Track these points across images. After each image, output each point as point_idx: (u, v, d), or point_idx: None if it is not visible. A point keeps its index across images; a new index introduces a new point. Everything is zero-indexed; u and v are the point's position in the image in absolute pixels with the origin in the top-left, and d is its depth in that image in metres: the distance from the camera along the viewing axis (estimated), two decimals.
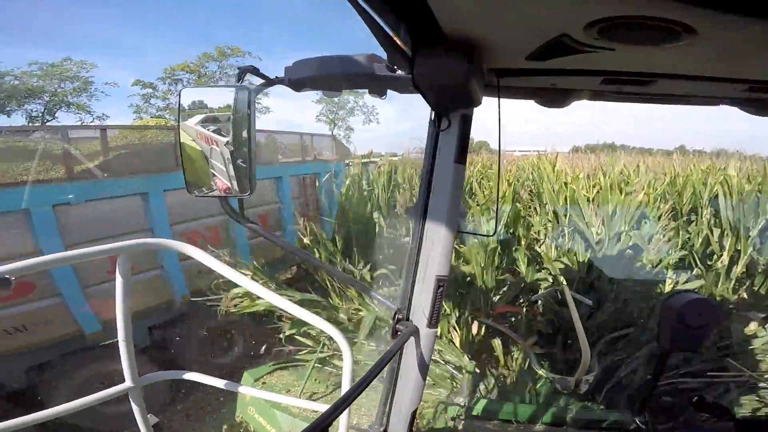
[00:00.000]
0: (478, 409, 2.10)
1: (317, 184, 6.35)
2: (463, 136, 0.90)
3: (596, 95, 1.07)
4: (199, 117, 0.90)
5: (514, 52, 0.75)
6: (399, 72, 0.97)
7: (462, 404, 2.11)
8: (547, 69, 0.85)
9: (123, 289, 1.08)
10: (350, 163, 7.69)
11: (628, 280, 3.47)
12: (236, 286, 3.97)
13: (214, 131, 0.89)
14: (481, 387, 2.84)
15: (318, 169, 6.60)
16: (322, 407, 1.33)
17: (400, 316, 1.01)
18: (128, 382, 1.18)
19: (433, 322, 0.98)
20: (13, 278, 0.88)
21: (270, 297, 1.14)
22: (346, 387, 1.14)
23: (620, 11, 0.51)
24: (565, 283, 3.27)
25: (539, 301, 3.37)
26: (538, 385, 2.64)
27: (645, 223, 3.93)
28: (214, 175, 0.93)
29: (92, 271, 3.87)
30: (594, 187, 4.62)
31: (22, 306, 3.58)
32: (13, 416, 1.00)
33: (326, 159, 7.24)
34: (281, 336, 3.99)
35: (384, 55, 0.95)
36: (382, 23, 0.64)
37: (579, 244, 3.80)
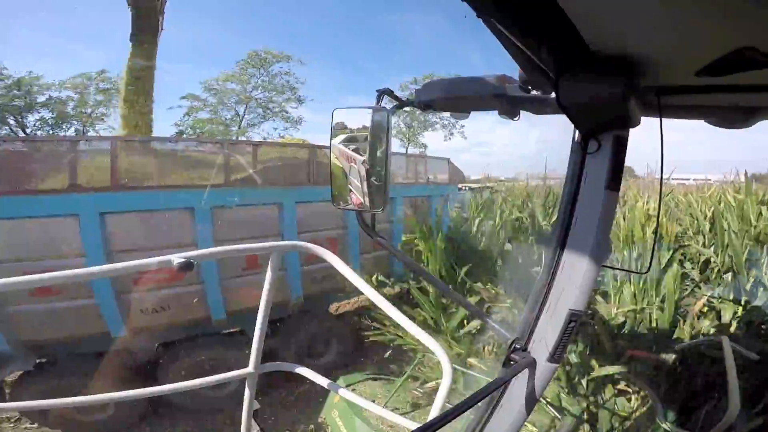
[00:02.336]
0: None
1: (429, 206, 6.47)
2: (616, 160, 0.82)
3: None
4: (342, 137, 1.00)
5: (682, 68, 0.68)
6: (533, 92, 0.96)
7: None
8: (722, 85, 0.76)
9: (270, 284, 1.22)
10: (464, 188, 7.66)
11: None
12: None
13: (353, 150, 0.98)
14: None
15: (430, 192, 6.76)
16: (409, 423, 1.32)
17: (518, 346, 0.97)
18: (250, 368, 1.29)
19: (555, 357, 0.91)
20: (195, 263, 1.07)
21: (387, 307, 1.21)
22: (437, 408, 1.12)
23: None
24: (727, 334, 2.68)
25: (686, 350, 2.82)
26: None
27: None
28: (351, 191, 1.01)
29: (227, 265, 4.54)
30: None
31: (174, 288, 4.34)
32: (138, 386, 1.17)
33: (439, 182, 7.35)
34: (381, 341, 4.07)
35: (515, 75, 0.97)
36: (520, 44, 0.63)
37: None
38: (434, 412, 1.13)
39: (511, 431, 0.97)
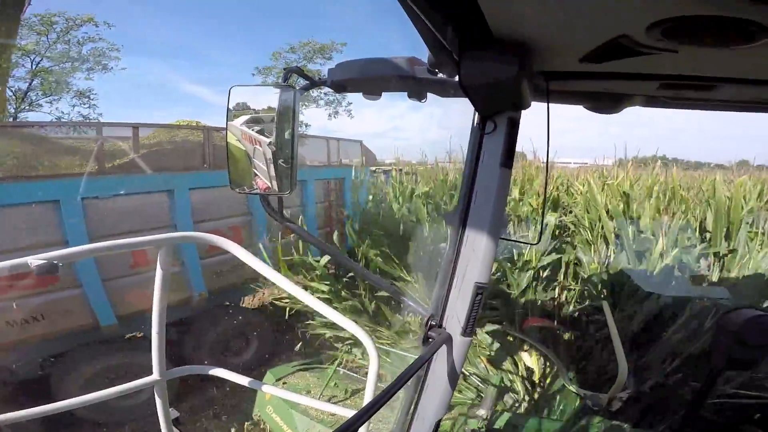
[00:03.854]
0: (500, 423, 2.06)
1: (342, 188, 6.48)
2: (510, 139, 0.89)
3: (651, 101, 1.06)
4: (244, 117, 0.95)
5: (568, 53, 0.75)
6: (440, 75, 0.99)
7: (485, 417, 2.08)
8: (600, 72, 0.85)
9: (162, 282, 1.12)
10: (377, 170, 7.81)
11: (676, 297, 3.33)
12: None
13: (257, 131, 0.94)
14: (507, 400, 2.79)
15: (344, 174, 6.75)
16: (345, 411, 1.34)
17: (433, 323, 1.02)
18: (155, 375, 1.21)
19: (468, 330, 0.97)
20: (60, 264, 0.93)
21: (303, 296, 1.18)
22: (369, 393, 1.16)
23: (690, 10, 0.50)
24: (605, 298, 3.19)
25: (576, 316, 3.28)
26: (568, 402, 2.56)
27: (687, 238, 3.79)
28: (256, 175, 0.98)
29: (113, 264, 4.08)
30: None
31: (46, 295, 3.79)
32: (26, 407, 1.03)
33: (353, 164, 7.38)
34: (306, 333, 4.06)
35: (424, 57, 1.00)
36: (428, 23, 0.65)
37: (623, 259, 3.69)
38: (368, 397, 1.16)
39: (442, 406, 1.03)
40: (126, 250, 1.14)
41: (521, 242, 3.83)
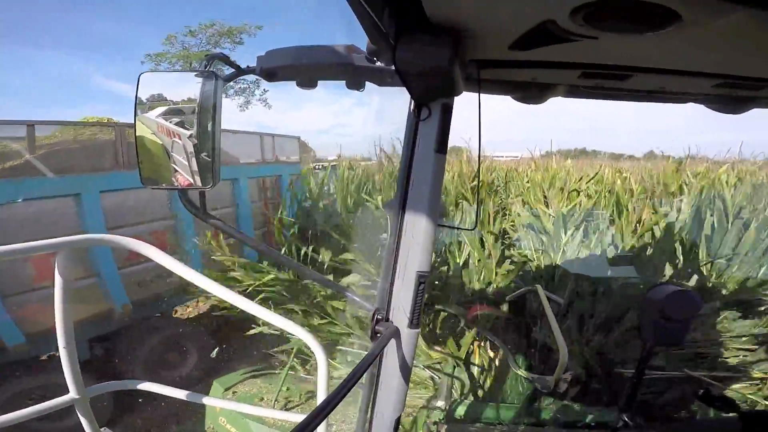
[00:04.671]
0: (460, 412, 2.12)
1: (279, 186, 6.25)
2: (443, 125, 0.91)
3: (573, 90, 1.12)
4: (161, 109, 0.90)
5: (497, 40, 0.77)
6: (379, 64, 0.99)
7: (443, 408, 2.13)
8: (528, 61, 0.89)
9: (62, 291, 1.02)
10: (317, 167, 7.66)
11: (601, 278, 3.64)
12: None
13: (177, 124, 0.89)
14: (462, 389, 2.88)
15: (280, 171, 6.54)
16: (296, 417, 1.30)
17: (380, 317, 1.00)
18: (72, 393, 1.13)
19: (414, 322, 0.98)
20: None
21: (238, 300, 1.10)
22: (321, 395, 1.13)
23: None
24: (538, 282, 3.40)
25: (515, 302, 3.45)
26: (518, 386, 2.71)
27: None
28: (176, 170, 0.92)
29: (12, 279, 3.60)
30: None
31: None
32: None
33: (289, 161, 7.16)
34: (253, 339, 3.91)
35: (363, 46, 1.00)
36: (366, 6, 0.65)
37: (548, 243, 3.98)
38: (320, 399, 1.13)
39: (398, 402, 1.02)
40: (17, 257, 0.99)
41: (459, 228, 3.98)
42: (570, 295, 3.52)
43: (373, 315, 1.00)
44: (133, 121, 0.91)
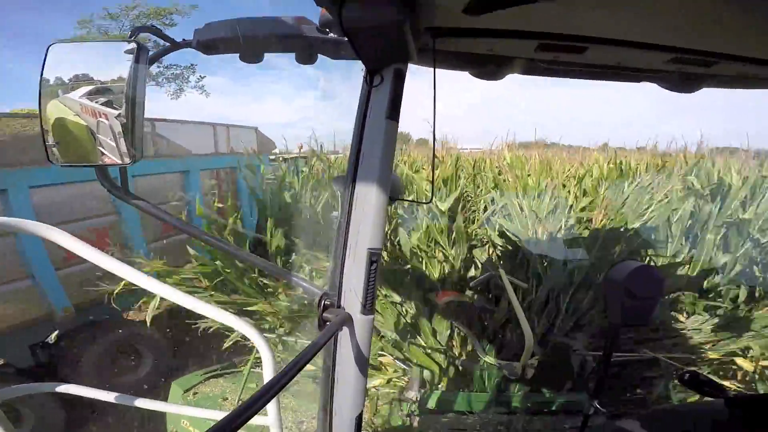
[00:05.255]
0: (432, 402, 2.08)
1: (234, 178, 5.99)
2: (396, 91, 0.88)
3: (531, 67, 1.10)
4: (85, 89, 0.87)
5: (451, 4, 0.75)
6: (331, 35, 0.96)
7: (414, 399, 2.07)
8: (483, 29, 0.88)
9: None
10: (279, 158, 7.40)
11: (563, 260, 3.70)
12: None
13: (103, 103, 0.87)
14: (432, 378, 2.83)
15: (235, 163, 6.22)
16: (258, 419, 1.17)
17: (328, 302, 0.90)
18: None
19: (368, 306, 0.89)
20: None
21: (171, 294, 0.96)
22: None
23: None
24: (501, 266, 3.39)
25: (479, 287, 3.43)
26: (487, 373, 2.69)
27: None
28: (94, 147, 0.90)
29: None
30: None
31: None
32: None
33: (246, 152, 6.88)
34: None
35: (316, 20, 0.96)
36: None
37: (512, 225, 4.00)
38: None
39: (357, 398, 0.94)
40: None
41: (415, 201, 3.94)
42: (535, 278, 3.54)
43: (320, 300, 0.90)
44: (38, 95, 0.87)
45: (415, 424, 1.96)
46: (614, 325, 1.41)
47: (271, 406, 1.00)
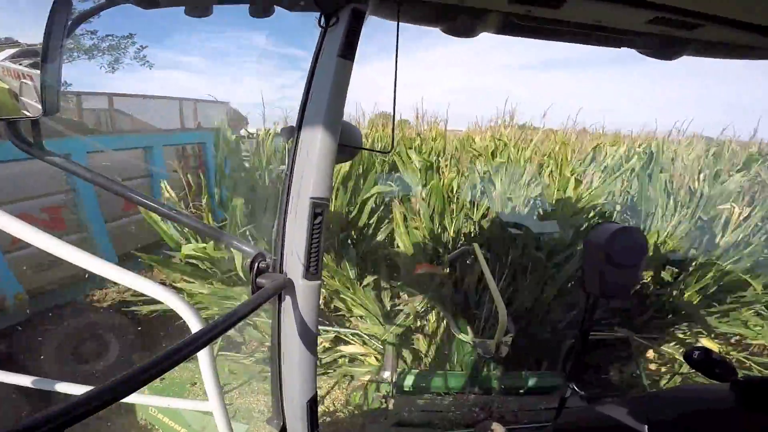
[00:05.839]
0: (407, 383, 2.02)
1: (203, 154, 5.73)
2: (351, 30, 0.81)
3: (504, 24, 1.01)
4: (9, 51, 0.84)
5: None
6: None
7: (390, 380, 2.01)
8: None
9: None
10: (252, 134, 7.12)
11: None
12: None
13: (28, 65, 0.82)
14: (407, 358, 2.78)
15: (203, 139, 5.96)
16: (200, 405, 1.05)
17: (263, 265, 0.78)
18: None
19: (312, 270, 0.77)
20: None
21: (100, 268, 0.81)
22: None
23: None
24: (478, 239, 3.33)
25: (454, 261, 3.35)
26: (463, 351, 2.65)
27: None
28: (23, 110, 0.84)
29: None
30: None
31: None
32: None
33: (216, 128, 6.61)
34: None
35: None
36: None
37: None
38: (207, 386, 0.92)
39: (307, 380, 0.83)
40: None
41: (373, 150, 3.81)
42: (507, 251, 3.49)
43: (252, 263, 0.77)
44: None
45: (391, 406, 1.89)
46: (591, 297, 1.28)
47: (211, 391, 0.89)
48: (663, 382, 3.05)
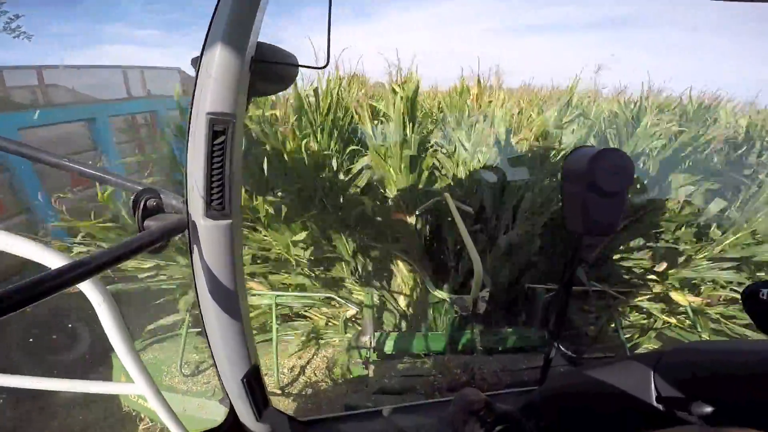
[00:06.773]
0: (388, 346, 1.93)
1: (155, 123, 5.33)
2: None
3: None
4: None
5: None
6: None
7: (369, 344, 1.90)
8: None
9: None
10: None
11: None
12: None
13: None
14: (385, 320, 2.68)
15: (154, 107, 5.56)
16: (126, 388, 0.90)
17: (153, 203, 0.62)
18: None
19: (215, 205, 0.60)
20: None
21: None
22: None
23: None
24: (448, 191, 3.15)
25: (426, 214, 3.18)
26: (441, 310, 2.55)
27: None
28: None
29: None
30: None
31: None
32: None
33: (165, 95, 6.15)
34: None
35: None
36: None
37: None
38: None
39: (237, 351, 0.71)
40: None
41: (308, 66, 3.56)
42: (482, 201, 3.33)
43: (136, 201, 0.61)
44: None
45: (371, 373, 1.80)
46: (575, 236, 1.10)
47: (136, 374, 0.75)
48: (641, 338, 3.02)
